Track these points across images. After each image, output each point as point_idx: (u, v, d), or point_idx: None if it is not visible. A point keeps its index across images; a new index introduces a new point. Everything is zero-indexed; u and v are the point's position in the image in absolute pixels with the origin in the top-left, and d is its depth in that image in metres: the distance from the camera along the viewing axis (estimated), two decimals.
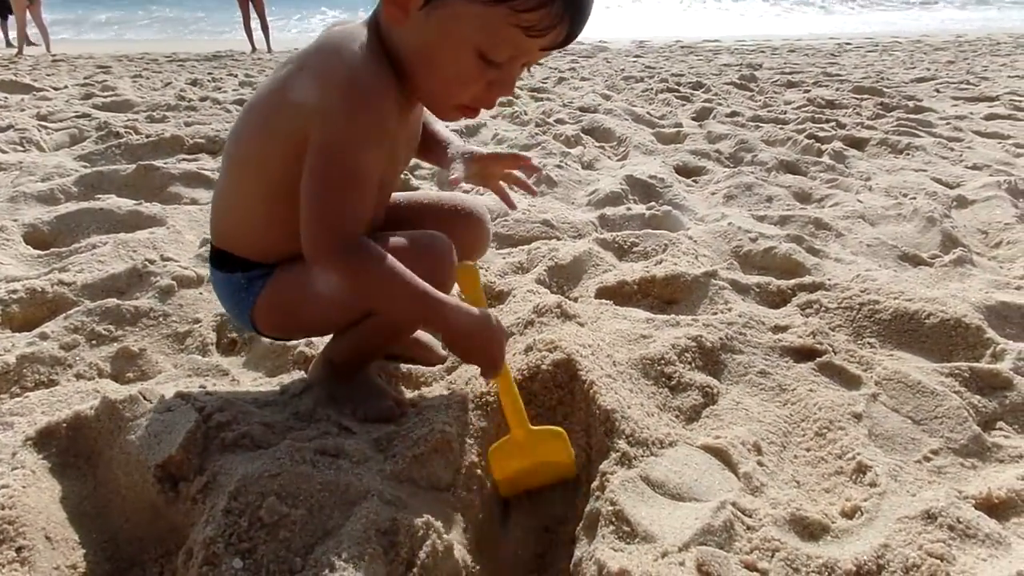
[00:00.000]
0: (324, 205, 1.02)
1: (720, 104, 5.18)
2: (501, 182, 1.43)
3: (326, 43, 1.08)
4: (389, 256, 1.05)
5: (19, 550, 0.96)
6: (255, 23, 12.07)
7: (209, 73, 7.72)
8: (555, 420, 1.23)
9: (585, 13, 0.99)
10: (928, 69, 7.70)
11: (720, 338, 1.50)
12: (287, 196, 1.08)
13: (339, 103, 1.01)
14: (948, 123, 4.43)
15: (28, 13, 11.23)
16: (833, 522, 1.04)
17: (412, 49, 1.03)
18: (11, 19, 12.65)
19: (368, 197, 1.06)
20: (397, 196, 1.40)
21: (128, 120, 4.23)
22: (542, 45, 0.98)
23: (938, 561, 0.93)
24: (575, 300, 1.80)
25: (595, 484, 1.09)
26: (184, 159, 3.31)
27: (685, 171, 3.38)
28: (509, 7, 0.93)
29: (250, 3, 11.89)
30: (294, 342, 1.57)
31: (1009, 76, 6.87)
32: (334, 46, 1.05)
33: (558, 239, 2.27)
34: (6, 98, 5.29)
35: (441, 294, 1.09)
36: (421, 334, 1.54)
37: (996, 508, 1.08)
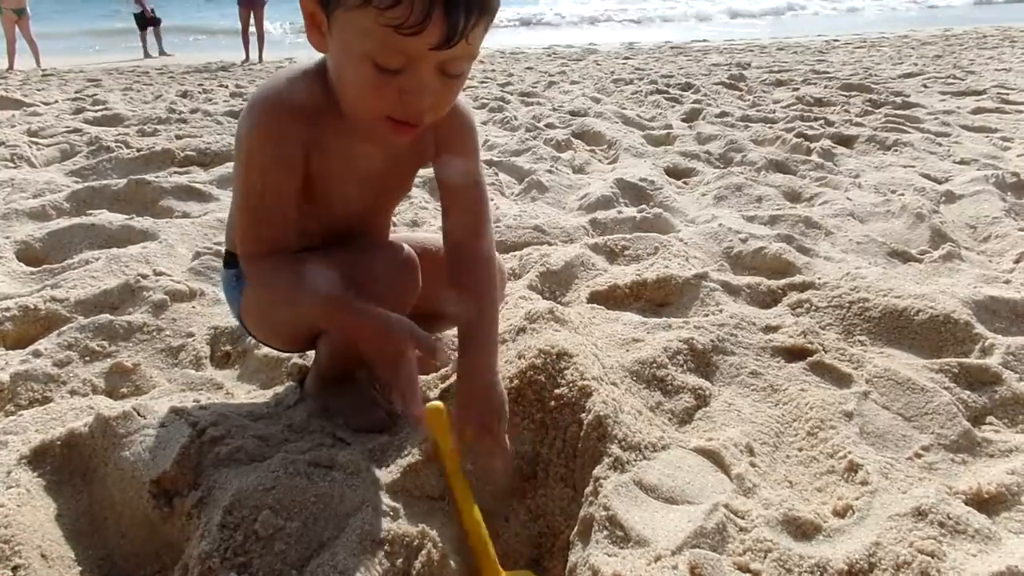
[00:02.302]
0: (240, 219, 1.14)
1: (709, 105, 5.20)
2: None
3: (271, 76, 1.17)
4: (295, 267, 1.11)
5: (15, 569, 0.96)
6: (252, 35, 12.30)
7: (199, 84, 7.72)
8: (547, 427, 1.24)
9: (457, 3, 0.88)
10: (916, 64, 7.74)
11: (711, 340, 1.52)
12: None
13: (246, 129, 1.09)
14: (936, 118, 4.46)
15: (17, 28, 11.20)
16: (825, 521, 1.05)
17: (331, 69, 1.06)
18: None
19: (278, 214, 1.11)
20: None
21: (119, 134, 4.23)
22: (427, 44, 0.90)
23: (929, 558, 0.94)
24: (567, 305, 1.81)
25: (588, 489, 1.09)
26: (175, 172, 3.31)
27: (675, 173, 3.40)
28: (373, 7, 0.89)
29: (251, 13, 12.17)
30: (288, 354, 1.57)
31: (996, 69, 6.91)
32: (271, 77, 1.14)
33: (549, 244, 2.28)
34: None
35: (366, 311, 1.07)
36: None
37: (986, 503, 1.09)
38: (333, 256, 1.19)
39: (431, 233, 1.47)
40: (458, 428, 1.15)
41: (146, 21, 13.74)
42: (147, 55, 13.72)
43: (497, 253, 1.35)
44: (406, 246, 1.26)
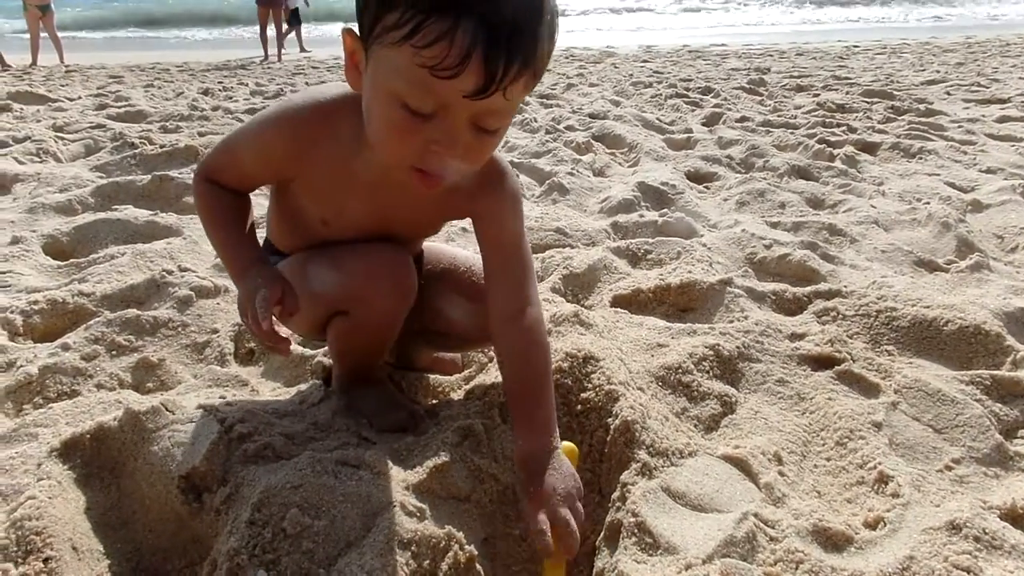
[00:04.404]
0: (217, 146, 1.22)
1: (730, 109, 5.18)
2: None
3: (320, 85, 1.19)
4: (216, 201, 1.20)
5: (46, 561, 0.97)
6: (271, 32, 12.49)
7: (220, 82, 7.78)
8: (574, 431, 1.23)
9: (498, 50, 0.82)
10: (938, 71, 7.66)
11: (737, 346, 1.50)
12: (283, 196, 1.23)
13: (270, 113, 1.15)
14: (960, 126, 4.41)
15: (41, 24, 11.34)
16: (856, 533, 1.04)
17: (363, 108, 0.99)
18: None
19: (235, 176, 1.20)
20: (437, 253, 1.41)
21: (142, 130, 4.27)
22: (462, 90, 0.85)
23: (964, 573, 0.93)
24: (590, 308, 1.80)
25: (616, 495, 1.09)
26: None
27: (696, 177, 3.38)
28: (411, 45, 0.84)
29: (270, 12, 12.35)
30: (311, 351, 1.58)
31: (1020, 77, 6.82)
32: (318, 88, 1.15)
33: (572, 247, 2.27)
34: (22, 109, 5.35)
35: (242, 256, 1.16)
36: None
37: (1021, 518, 1.07)
38: (330, 252, 1.20)
39: (463, 249, 1.46)
40: (530, 520, 1.02)
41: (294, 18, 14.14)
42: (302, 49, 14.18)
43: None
44: (401, 249, 1.22)
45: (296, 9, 14.02)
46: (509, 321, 1.17)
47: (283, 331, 1.18)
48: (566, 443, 1.13)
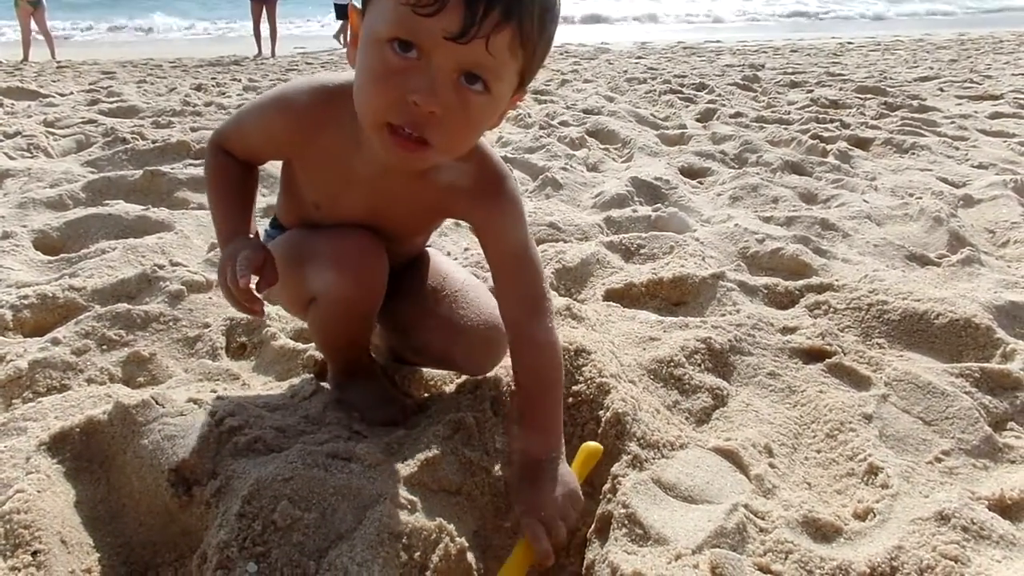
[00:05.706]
0: (236, 113, 1.24)
1: (723, 105, 5.18)
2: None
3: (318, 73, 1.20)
4: (222, 171, 1.22)
5: (35, 554, 0.96)
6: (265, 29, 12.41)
7: (213, 78, 7.75)
8: (565, 423, 1.23)
9: None
10: (931, 68, 7.69)
11: (729, 340, 1.51)
12: (287, 173, 1.26)
13: (272, 96, 1.16)
14: (953, 122, 4.42)
15: (32, 20, 11.26)
16: (846, 524, 1.05)
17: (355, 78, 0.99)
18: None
19: (240, 145, 1.22)
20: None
21: (134, 126, 4.25)
22: (443, 30, 0.84)
23: (952, 563, 0.93)
24: (583, 302, 1.80)
25: (607, 487, 1.09)
26: (191, 164, 3.31)
27: (690, 172, 3.38)
28: None
29: (263, 8, 12.28)
30: (303, 346, 1.58)
31: (1013, 74, 6.85)
32: (314, 77, 1.15)
33: (565, 242, 2.27)
34: (13, 104, 5.31)
35: (232, 225, 1.19)
36: None
37: (1009, 509, 1.08)
38: (307, 235, 1.22)
39: (461, 266, 1.43)
40: (525, 528, 1.04)
41: (345, 12, 14.11)
42: (344, 44, 14.14)
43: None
44: (376, 239, 1.20)
45: (345, 5, 14.03)
46: (520, 329, 1.16)
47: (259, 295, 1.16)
48: (592, 443, 1.15)
